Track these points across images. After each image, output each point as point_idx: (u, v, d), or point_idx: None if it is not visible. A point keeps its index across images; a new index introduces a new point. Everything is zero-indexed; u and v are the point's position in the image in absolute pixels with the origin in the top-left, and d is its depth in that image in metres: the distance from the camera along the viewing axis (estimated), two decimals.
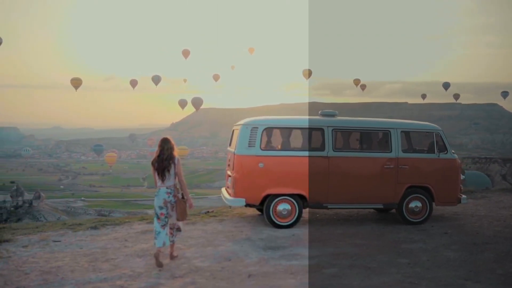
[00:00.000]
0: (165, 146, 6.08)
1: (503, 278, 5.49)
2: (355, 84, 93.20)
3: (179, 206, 6.03)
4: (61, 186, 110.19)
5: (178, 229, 6.27)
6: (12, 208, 74.02)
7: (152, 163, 6.06)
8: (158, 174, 5.98)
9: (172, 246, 6.21)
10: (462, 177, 8.87)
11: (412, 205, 8.44)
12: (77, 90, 70.32)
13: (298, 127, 8.48)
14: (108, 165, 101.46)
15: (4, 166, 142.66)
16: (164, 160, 5.98)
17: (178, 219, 6.10)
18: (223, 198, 8.65)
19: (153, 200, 6.08)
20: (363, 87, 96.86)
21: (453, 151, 8.74)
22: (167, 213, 6.01)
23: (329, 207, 8.33)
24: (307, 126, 8.46)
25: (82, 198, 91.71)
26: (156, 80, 75.94)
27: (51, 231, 7.74)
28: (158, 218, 5.98)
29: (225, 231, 7.89)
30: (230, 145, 8.91)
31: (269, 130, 8.32)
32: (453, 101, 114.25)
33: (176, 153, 6.14)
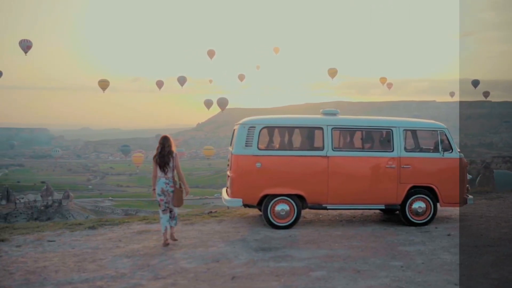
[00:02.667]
0: (166, 143, 6.92)
1: (496, 283, 5.22)
2: (382, 83, 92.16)
3: (176, 194, 6.90)
4: (90, 186, 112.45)
5: (175, 217, 7.04)
6: (42, 208, 76.09)
7: (154, 158, 6.89)
8: (160, 167, 6.84)
9: (171, 228, 7.01)
10: (468, 177, 8.56)
11: (415, 206, 8.19)
12: (105, 91, 71.62)
13: (296, 126, 8.34)
14: (135, 165, 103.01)
15: (35, 167, 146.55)
16: (165, 156, 6.83)
17: (174, 205, 6.93)
18: (222, 199, 8.58)
19: None
20: (390, 85, 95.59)
21: (458, 150, 8.45)
22: (166, 200, 6.85)
23: (328, 208, 8.15)
24: (306, 125, 8.32)
25: (110, 198, 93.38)
26: (182, 81, 76.69)
27: (50, 231, 7.80)
28: (159, 204, 6.88)
29: (222, 231, 7.81)
30: (231, 145, 8.83)
31: (267, 130, 8.20)
32: (483, 99, 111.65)
33: (174, 148, 6.97)
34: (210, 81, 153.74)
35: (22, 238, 7.24)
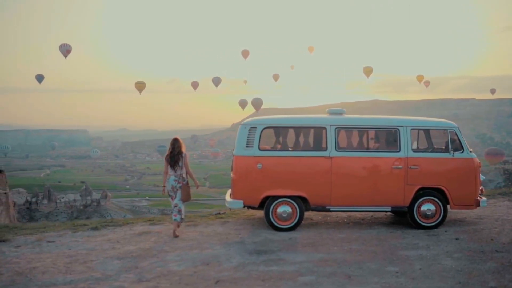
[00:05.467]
0: (176, 144, 7.59)
1: None
2: (419, 81, 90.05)
3: (184, 190, 7.57)
4: (127, 186, 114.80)
5: (180, 212, 7.56)
6: (81, 207, 78.21)
7: (166, 158, 7.58)
8: (171, 166, 7.54)
9: (174, 224, 7.60)
10: (482, 178, 8.14)
11: (424, 208, 7.86)
12: (141, 93, 72.83)
13: (299, 126, 8.15)
14: None
15: (75, 167, 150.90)
16: (175, 155, 7.51)
17: (182, 200, 7.58)
18: (225, 201, 8.48)
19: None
20: (427, 83, 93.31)
21: (471, 150, 8.05)
22: (175, 195, 7.54)
23: (332, 210, 7.92)
24: (308, 125, 8.12)
25: (147, 198, 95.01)
26: (217, 81, 77.21)
27: (53, 232, 7.90)
28: (172, 199, 7.58)
29: (223, 233, 7.71)
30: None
31: (268, 130, 8.04)
32: None
33: (183, 149, 7.63)
34: (245, 82, 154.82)
35: (23, 239, 7.36)
